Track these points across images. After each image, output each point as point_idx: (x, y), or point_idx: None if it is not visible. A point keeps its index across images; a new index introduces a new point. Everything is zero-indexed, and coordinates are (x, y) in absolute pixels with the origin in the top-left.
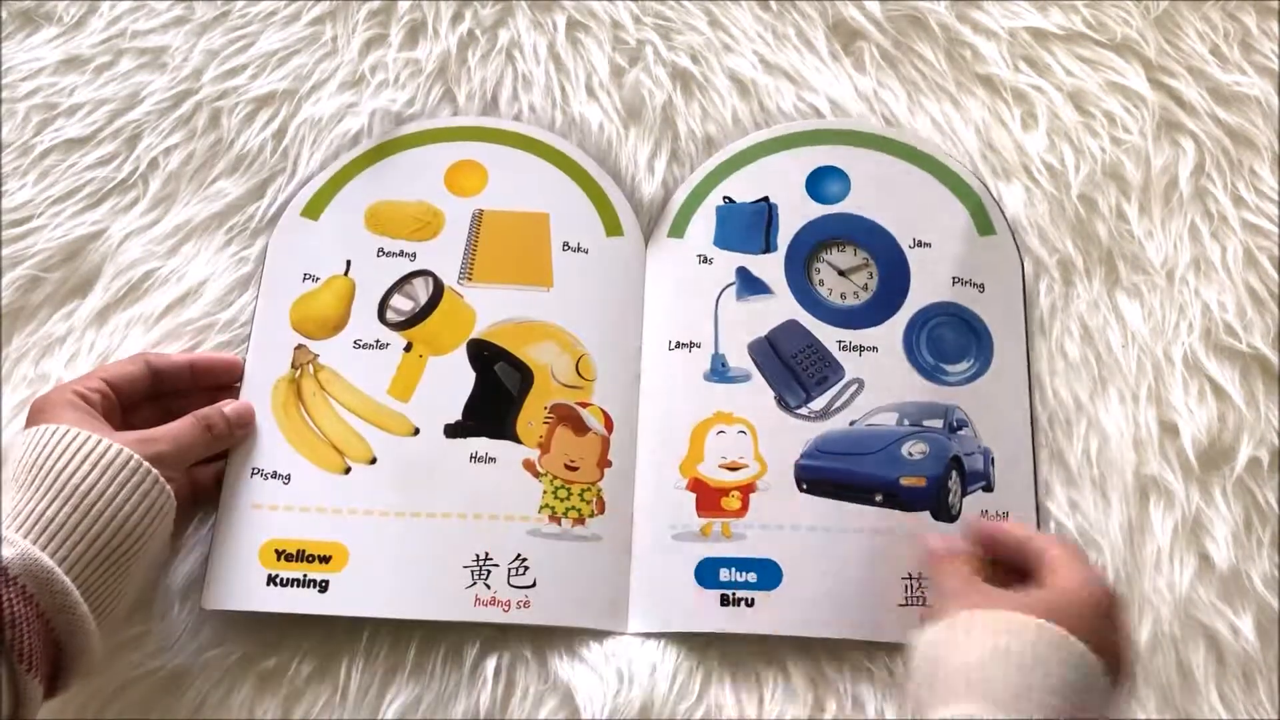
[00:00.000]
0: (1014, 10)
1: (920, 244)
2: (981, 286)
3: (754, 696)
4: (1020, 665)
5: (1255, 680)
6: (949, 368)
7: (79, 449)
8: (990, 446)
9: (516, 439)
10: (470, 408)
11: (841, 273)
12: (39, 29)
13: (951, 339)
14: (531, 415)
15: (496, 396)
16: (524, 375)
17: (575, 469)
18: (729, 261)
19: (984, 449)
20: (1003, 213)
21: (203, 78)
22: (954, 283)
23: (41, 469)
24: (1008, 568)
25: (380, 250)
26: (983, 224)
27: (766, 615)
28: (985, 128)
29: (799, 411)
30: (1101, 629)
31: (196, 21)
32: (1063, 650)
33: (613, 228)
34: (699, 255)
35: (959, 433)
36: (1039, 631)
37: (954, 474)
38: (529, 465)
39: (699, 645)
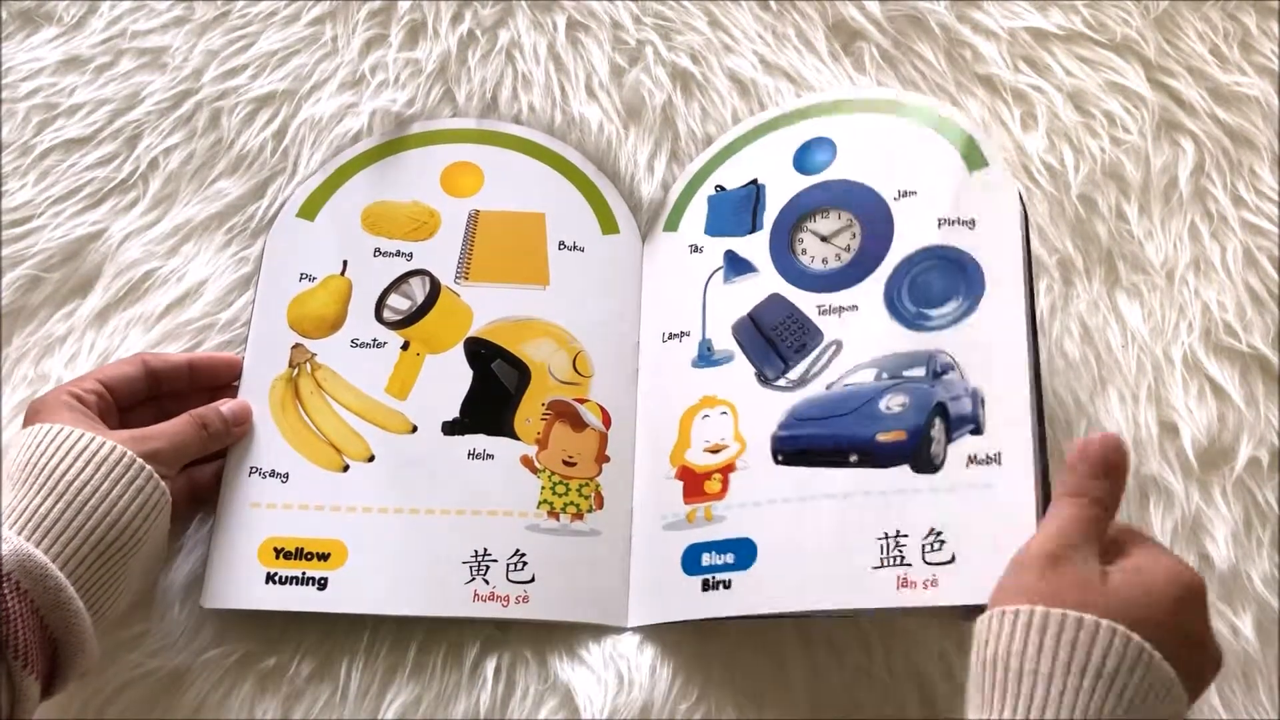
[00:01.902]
0: (1014, 10)
1: (905, 194)
2: (972, 223)
3: (754, 698)
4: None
5: (1255, 680)
6: (932, 312)
7: (72, 446)
8: (980, 386)
9: (514, 435)
10: (468, 405)
11: (824, 239)
12: (39, 29)
13: (938, 282)
14: (529, 412)
15: (494, 394)
16: (521, 372)
17: (573, 464)
18: (719, 247)
19: (972, 390)
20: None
21: (203, 78)
22: (940, 225)
23: (35, 466)
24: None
25: (377, 250)
26: (974, 159)
27: (741, 596)
28: (985, 128)
29: (777, 383)
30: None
31: (196, 21)
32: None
33: (608, 226)
34: (690, 245)
35: (944, 377)
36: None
37: (937, 421)
38: (527, 461)
39: (700, 646)
